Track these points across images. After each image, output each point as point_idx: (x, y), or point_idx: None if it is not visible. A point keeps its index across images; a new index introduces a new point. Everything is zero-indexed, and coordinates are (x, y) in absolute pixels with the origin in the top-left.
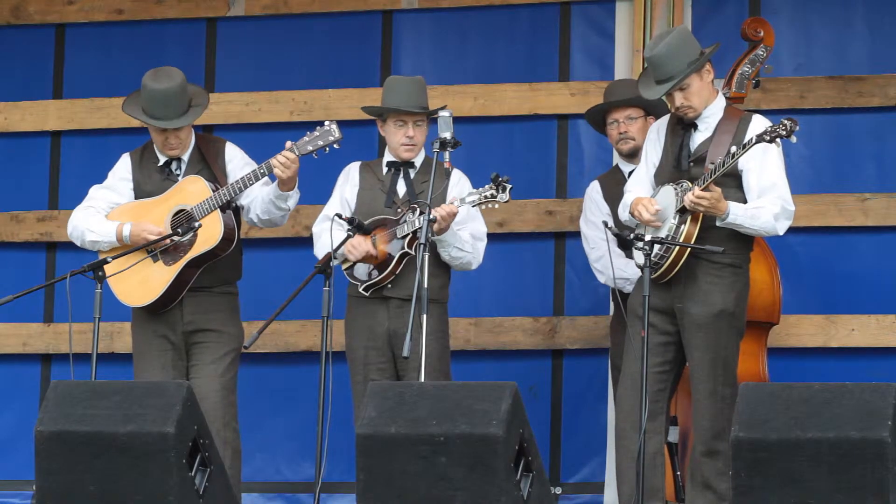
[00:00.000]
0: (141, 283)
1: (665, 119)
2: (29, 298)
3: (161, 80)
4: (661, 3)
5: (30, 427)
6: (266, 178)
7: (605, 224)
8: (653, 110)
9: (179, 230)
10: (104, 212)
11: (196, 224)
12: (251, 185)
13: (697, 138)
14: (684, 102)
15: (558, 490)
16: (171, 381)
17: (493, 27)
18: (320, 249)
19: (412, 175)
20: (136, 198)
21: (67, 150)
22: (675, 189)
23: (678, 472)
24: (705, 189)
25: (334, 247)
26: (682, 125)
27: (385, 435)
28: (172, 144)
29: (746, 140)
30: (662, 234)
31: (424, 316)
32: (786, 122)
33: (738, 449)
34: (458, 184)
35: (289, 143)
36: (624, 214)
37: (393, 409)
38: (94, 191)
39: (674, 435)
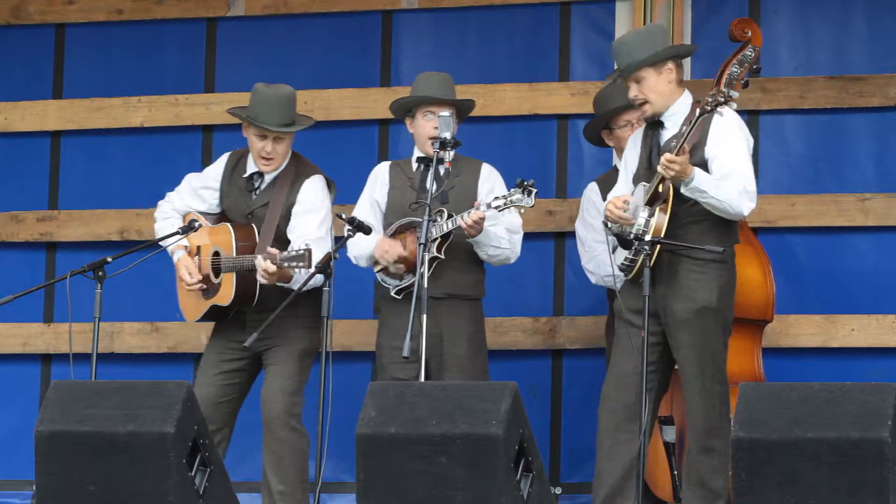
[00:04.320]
0: (189, 302)
1: (640, 128)
2: (29, 298)
3: (272, 87)
4: (661, 3)
5: (30, 427)
6: (312, 210)
7: (605, 224)
8: None
9: (180, 229)
10: (182, 212)
11: (196, 224)
12: (238, 267)
13: (665, 136)
14: (638, 95)
15: (558, 490)
16: (171, 381)
17: (493, 27)
18: (351, 249)
19: (441, 171)
20: (220, 204)
21: (67, 150)
22: (646, 186)
23: (675, 472)
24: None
25: (363, 251)
26: (651, 127)
27: (385, 435)
28: (268, 153)
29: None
30: (634, 230)
31: (424, 316)
32: (723, 89)
33: (738, 449)
34: (489, 178)
35: (266, 265)
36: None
37: (393, 409)
38: (185, 185)
39: (670, 434)
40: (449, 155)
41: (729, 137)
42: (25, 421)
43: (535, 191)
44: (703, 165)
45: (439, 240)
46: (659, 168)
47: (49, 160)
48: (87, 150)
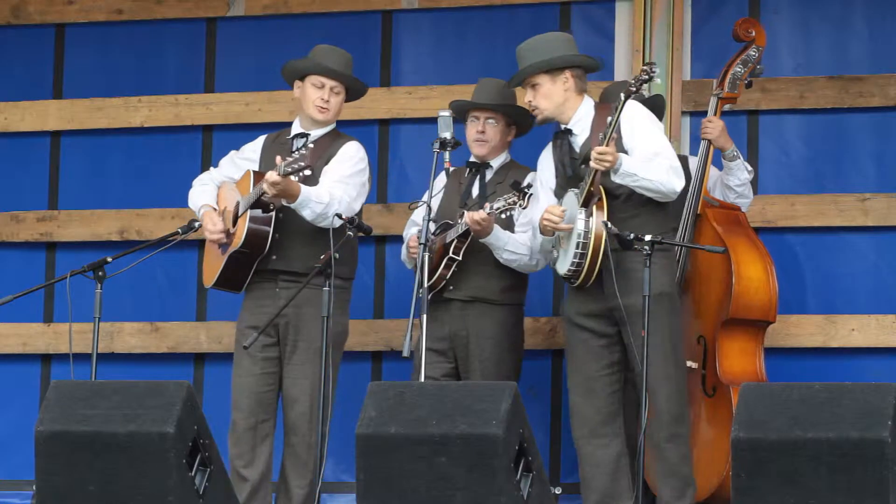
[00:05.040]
0: (210, 265)
1: (548, 145)
2: (29, 298)
3: (334, 47)
4: (661, 3)
5: (30, 427)
6: (346, 161)
7: (606, 224)
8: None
9: (180, 229)
10: (218, 181)
11: (196, 224)
12: (254, 199)
13: (577, 142)
14: (531, 101)
15: (558, 490)
16: (172, 381)
17: (493, 27)
18: (403, 250)
19: (488, 177)
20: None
21: (67, 150)
22: (576, 192)
23: None
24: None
25: (403, 251)
26: (559, 138)
27: (385, 435)
28: (326, 99)
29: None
30: (574, 238)
31: (425, 316)
32: (644, 66)
33: (738, 449)
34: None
35: (269, 174)
36: (536, 242)
37: (393, 409)
38: (227, 159)
39: None
40: (446, 155)
41: (642, 125)
42: (25, 421)
43: (528, 193)
44: None
45: (455, 241)
46: (592, 163)
47: (49, 160)
48: (87, 150)
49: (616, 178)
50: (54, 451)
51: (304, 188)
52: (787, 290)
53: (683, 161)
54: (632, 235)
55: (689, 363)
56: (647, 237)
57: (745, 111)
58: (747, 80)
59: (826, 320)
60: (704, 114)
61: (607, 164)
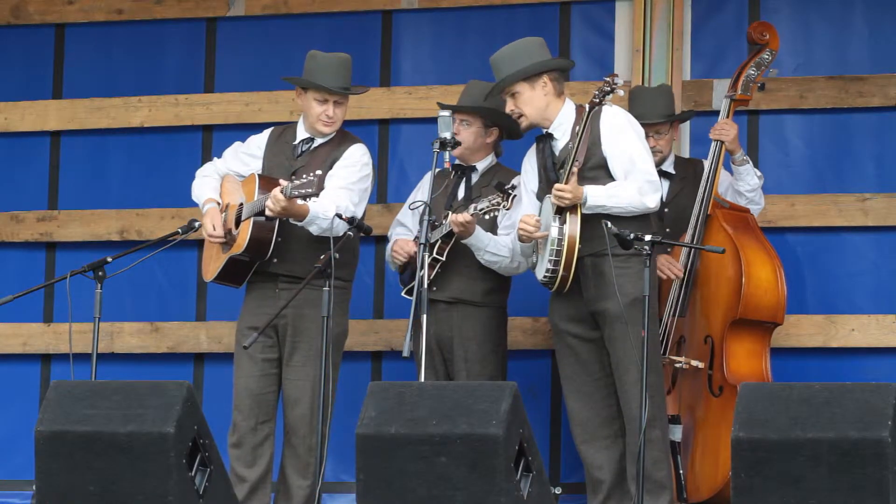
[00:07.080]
0: (210, 260)
1: (531, 148)
2: (29, 298)
3: (329, 54)
4: (661, 3)
5: (30, 427)
6: (351, 167)
7: (606, 224)
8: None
9: (180, 229)
10: (222, 172)
11: (196, 224)
12: (256, 209)
13: (558, 146)
14: (514, 109)
15: (558, 490)
16: (172, 381)
17: (492, 27)
18: (388, 250)
19: (473, 180)
20: (263, 170)
21: (67, 150)
22: (551, 198)
23: (681, 471)
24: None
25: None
26: (541, 141)
27: (385, 435)
28: (330, 117)
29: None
30: (549, 245)
31: (424, 316)
32: (607, 79)
33: (738, 449)
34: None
35: (277, 192)
36: (517, 245)
37: (393, 409)
38: (231, 152)
39: (677, 434)
40: (446, 155)
41: (621, 133)
42: (25, 421)
43: (512, 195)
44: (603, 163)
45: (440, 242)
46: (552, 200)
47: (49, 160)
48: (87, 150)
49: (586, 211)
50: (54, 451)
51: (311, 207)
52: (788, 289)
53: (697, 164)
54: (632, 235)
55: (694, 362)
56: (648, 237)
57: (746, 111)
58: (760, 83)
59: (826, 320)
60: (704, 114)
61: (566, 202)
